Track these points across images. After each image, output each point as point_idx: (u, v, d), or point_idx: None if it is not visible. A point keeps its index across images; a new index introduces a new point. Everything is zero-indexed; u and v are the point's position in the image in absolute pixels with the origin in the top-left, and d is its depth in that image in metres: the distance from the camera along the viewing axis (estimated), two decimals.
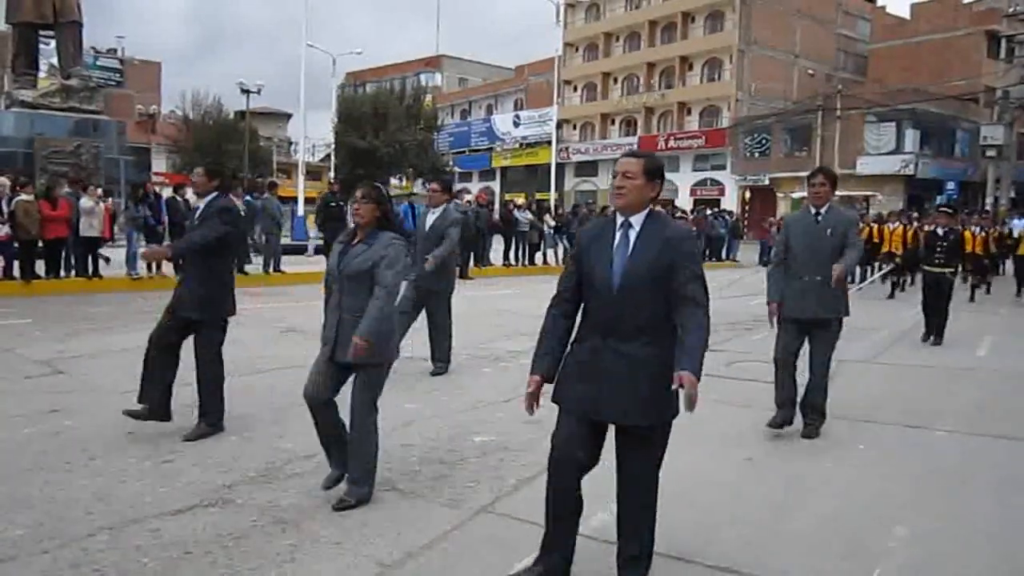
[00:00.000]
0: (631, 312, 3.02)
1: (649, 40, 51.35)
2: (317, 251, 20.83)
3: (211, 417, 5.35)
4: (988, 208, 34.11)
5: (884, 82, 42.28)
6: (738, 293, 15.64)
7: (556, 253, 22.84)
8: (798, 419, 5.76)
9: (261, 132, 48.43)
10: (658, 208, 3.23)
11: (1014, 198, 37.33)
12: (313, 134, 48.32)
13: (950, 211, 11.35)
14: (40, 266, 13.18)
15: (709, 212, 30.09)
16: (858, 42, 51.38)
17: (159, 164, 44.37)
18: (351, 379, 4.20)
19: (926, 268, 10.82)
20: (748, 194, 44.74)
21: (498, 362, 8.39)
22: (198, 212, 5.41)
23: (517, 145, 56.58)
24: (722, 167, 46.47)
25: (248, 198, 16.90)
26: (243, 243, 15.44)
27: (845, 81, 44.92)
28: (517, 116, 57.28)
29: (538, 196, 36.61)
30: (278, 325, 10.30)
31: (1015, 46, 38.49)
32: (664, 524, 4.02)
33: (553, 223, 22.83)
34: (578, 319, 3.26)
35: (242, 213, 9.75)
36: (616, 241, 3.11)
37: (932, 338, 10.42)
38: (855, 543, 3.83)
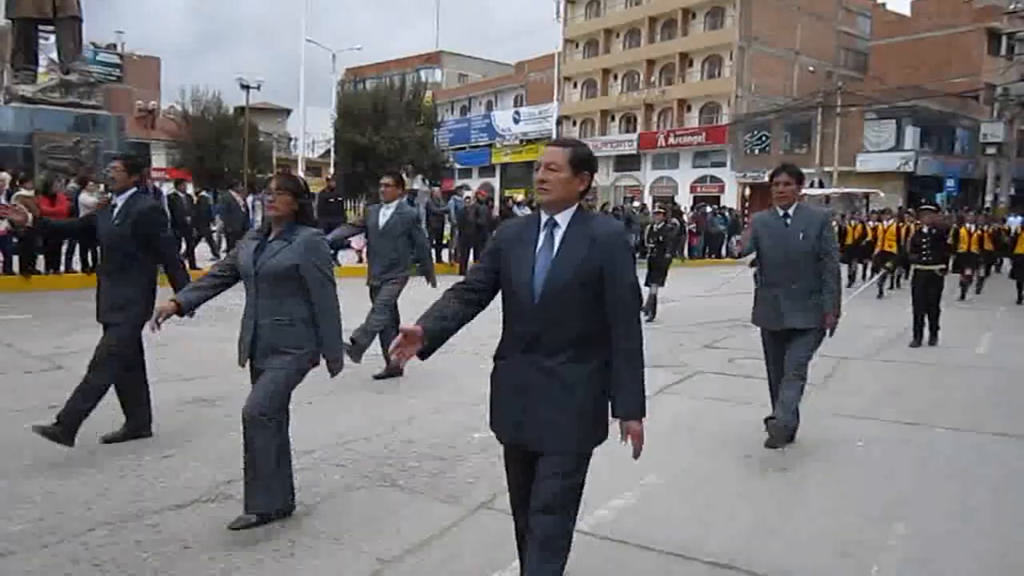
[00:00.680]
0: (556, 324, 2.66)
1: (649, 37, 51.25)
2: None
3: (137, 418, 5.13)
4: (988, 206, 34.12)
5: (884, 79, 42.24)
6: (737, 290, 15.63)
7: None
8: (803, 431, 5.53)
9: (261, 128, 48.36)
10: (590, 205, 2.92)
11: (1014, 195, 37.36)
12: (313, 130, 48.29)
13: (933, 208, 11.13)
14: (40, 261, 13.18)
15: (709, 209, 30.10)
16: (858, 39, 51.31)
17: (158, 159, 44.34)
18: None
19: (916, 267, 10.57)
20: (748, 191, 44.68)
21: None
22: (116, 210, 4.97)
23: (517, 141, 56.51)
24: (722, 164, 46.42)
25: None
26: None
27: (845, 78, 44.87)
28: (517, 112, 57.20)
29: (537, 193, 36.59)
30: None
31: (1015, 43, 38.48)
32: (664, 520, 4.04)
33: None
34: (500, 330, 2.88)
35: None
36: (539, 243, 2.74)
37: (922, 342, 10.07)
38: (854, 540, 3.83)
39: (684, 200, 40.22)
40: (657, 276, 11.76)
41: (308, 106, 30.95)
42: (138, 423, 5.14)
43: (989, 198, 37.02)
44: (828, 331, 5.23)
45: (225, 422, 5.52)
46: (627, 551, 3.65)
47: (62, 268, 13.60)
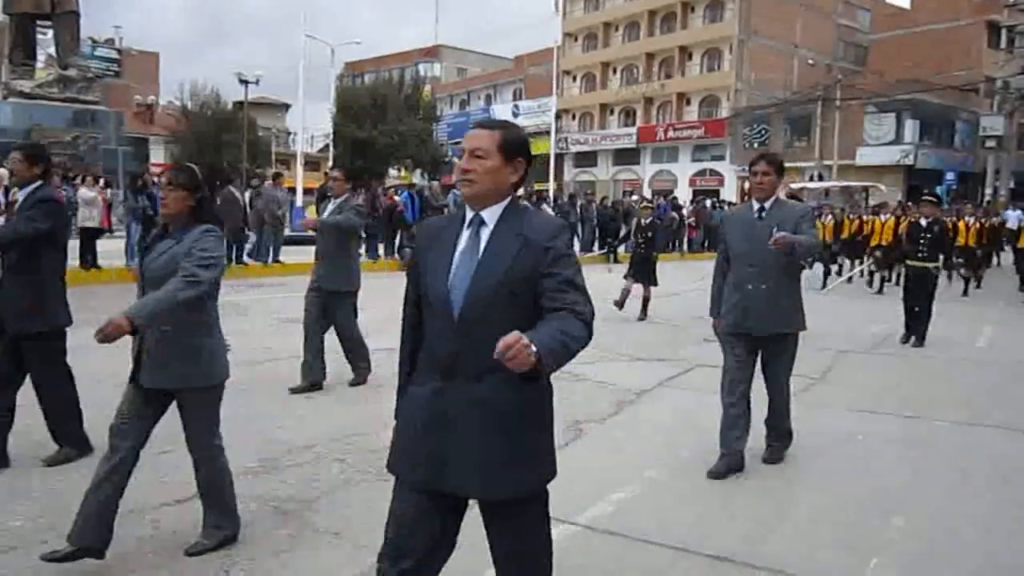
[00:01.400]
0: (482, 343, 2.11)
1: (648, 30, 51.17)
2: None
3: (71, 443, 4.66)
4: (988, 199, 34.12)
5: (884, 72, 42.17)
6: None
7: None
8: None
9: (260, 123, 48.28)
10: (522, 199, 2.49)
11: (1013, 189, 37.35)
12: (312, 125, 48.30)
13: (934, 200, 10.12)
14: None
15: (709, 202, 30.06)
16: (858, 32, 51.24)
17: (157, 154, 44.28)
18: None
19: (908, 262, 9.87)
20: (747, 185, 44.60)
21: None
22: (17, 205, 4.58)
23: None
24: (721, 157, 46.38)
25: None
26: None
27: (845, 71, 44.83)
28: (516, 106, 57.11)
29: (537, 186, 36.61)
30: (276, 315, 10.30)
31: (1015, 36, 38.43)
32: (664, 514, 4.04)
33: (552, 213, 22.84)
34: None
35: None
36: (461, 245, 2.29)
37: (912, 340, 9.53)
38: (853, 534, 3.83)
39: (683, 194, 40.17)
40: (644, 274, 11.29)
41: (307, 101, 30.93)
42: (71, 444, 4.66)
43: (989, 191, 37.00)
44: (772, 241, 4.48)
45: (224, 417, 5.49)
46: (627, 545, 3.65)
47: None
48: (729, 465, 4.67)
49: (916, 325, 9.55)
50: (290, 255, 17.25)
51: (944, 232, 9.78)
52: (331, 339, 6.72)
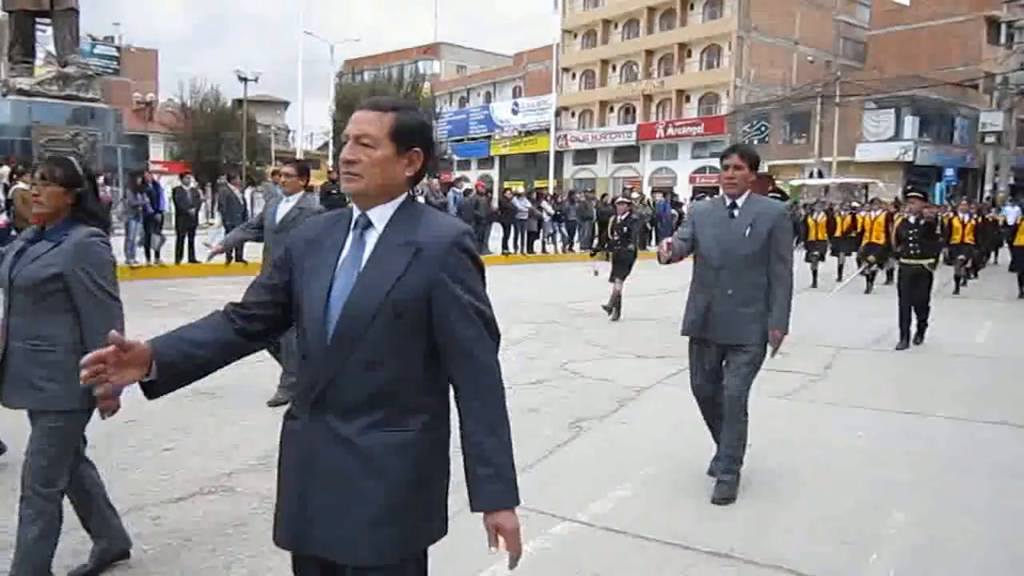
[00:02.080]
0: (357, 374, 1.79)
1: (647, 27, 51.13)
2: None
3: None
4: (988, 195, 34.12)
5: (883, 68, 42.16)
6: None
7: (555, 241, 23.07)
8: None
9: (259, 120, 48.31)
10: (418, 197, 2.04)
11: (1013, 185, 37.34)
12: (311, 122, 48.30)
13: (920, 196, 9.87)
14: None
15: (708, 199, 30.11)
16: (857, 28, 51.18)
17: (157, 152, 44.19)
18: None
19: (902, 261, 9.53)
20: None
21: None
22: None
23: (515, 133, 56.41)
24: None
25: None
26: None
27: (844, 67, 44.78)
28: (515, 104, 57.07)
29: (537, 184, 36.60)
30: None
31: (1015, 32, 38.38)
32: (663, 511, 4.05)
33: (551, 211, 22.85)
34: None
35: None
36: (344, 251, 1.87)
37: (909, 343, 9.12)
38: (853, 529, 3.84)
39: (683, 191, 40.16)
40: (621, 271, 10.89)
41: (307, 98, 30.98)
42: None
43: (988, 187, 36.99)
44: (771, 350, 4.25)
45: (224, 415, 5.54)
46: (626, 541, 3.66)
47: None
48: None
49: (917, 323, 9.25)
50: None
51: (931, 226, 9.38)
52: None
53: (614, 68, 53.58)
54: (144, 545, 3.48)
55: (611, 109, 53.41)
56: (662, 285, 11.97)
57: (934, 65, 39.94)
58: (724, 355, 4.33)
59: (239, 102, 41.92)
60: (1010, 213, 20.54)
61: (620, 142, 50.58)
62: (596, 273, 11.88)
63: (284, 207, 6.04)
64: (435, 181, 22.83)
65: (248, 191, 19.58)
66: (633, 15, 52.00)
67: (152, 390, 1.84)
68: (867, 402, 6.44)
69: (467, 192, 19.52)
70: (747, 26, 45.78)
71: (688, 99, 49.36)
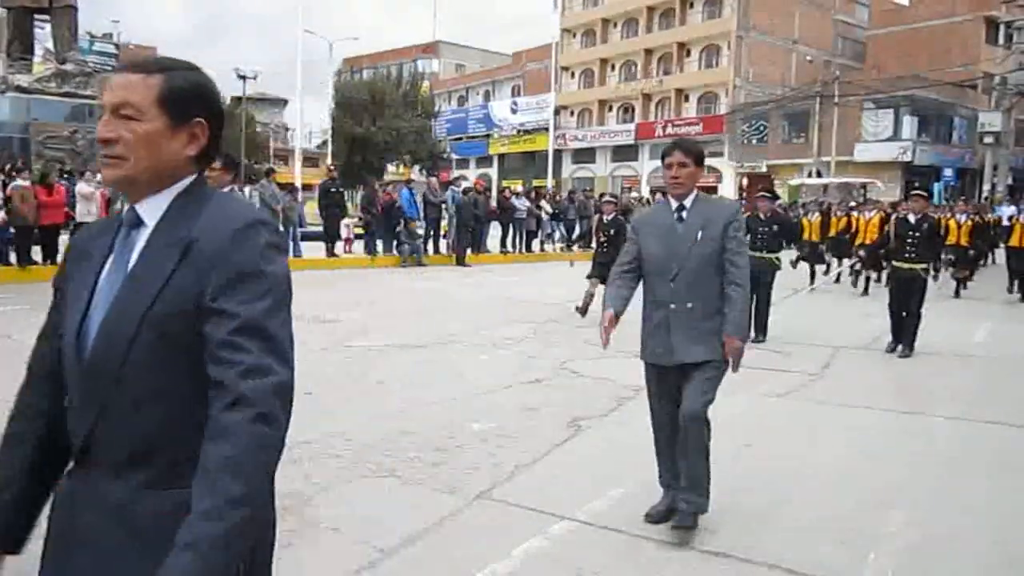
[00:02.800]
0: (124, 412, 1.38)
1: (647, 26, 51.12)
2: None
3: None
4: (987, 195, 34.15)
5: (882, 68, 42.17)
6: None
7: (553, 239, 23.08)
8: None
9: (258, 118, 48.34)
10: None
11: (1011, 185, 37.36)
12: (310, 120, 48.27)
13: (924, 195, 8.99)
14: (37, 252, 13.16)
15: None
16: (856, 28, 51.19)
17: None
18: None
19: (895, 264, 8.75)
20: (746, 181, 44.67)
21: (495, 348, 8.40)
22: None
23: (514, 132, 56.41)
24: (720, 154, 46.34)
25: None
26: None
27: (843, 67, 44.79)
28: (514, 103, 57.06)
29: (535, 183, 36.61)
30: None
31: (1014, 32, 38.39)
32: None
33: (550, 210, 22.85)
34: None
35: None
36: (109, 259, 1.45)
37: (899, 348, 8.55)
38: (851, 528, 3.85)
39: None
40: (601, 272, 9.86)
41: (306, 96, 31.01)
42: None
43: (987, 187, 37.02)
44: (731, 364, 3.74)
45: None
46: (624, 540, 3.67)
47: (59, 259, 13.60)
48: (668, 504, 3.86)
49: (904, 332, 8.57)
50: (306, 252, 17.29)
51: (935, 230, 8.73)
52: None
53: (613, 67, 53.57)
54: None
55: (610, 108, 53.41)
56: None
57: (933, 65, 39.95)
58: (678, 380, 3.80)
59: (238, 100, 41.91)
60: (1004, 213, 20.43)
61: (619, 141, 50.59)
62: (572, 264, 11.75)
63: None
64: (433, 180, 22.85)
65: (247, 189, 19.56)
66: (632, 14, 51.99)
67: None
68: (866, 401, 6.45)
69: (466, 191, 19.51)
70: (746, 25, 45.78)
71: (687, 98, 49.36)
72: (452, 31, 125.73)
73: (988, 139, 37.56)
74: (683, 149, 3.83)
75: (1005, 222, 18.76)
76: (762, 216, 9.41)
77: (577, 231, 23.52)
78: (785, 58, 46.72)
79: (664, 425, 3.90)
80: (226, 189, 5.34)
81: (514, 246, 21.26)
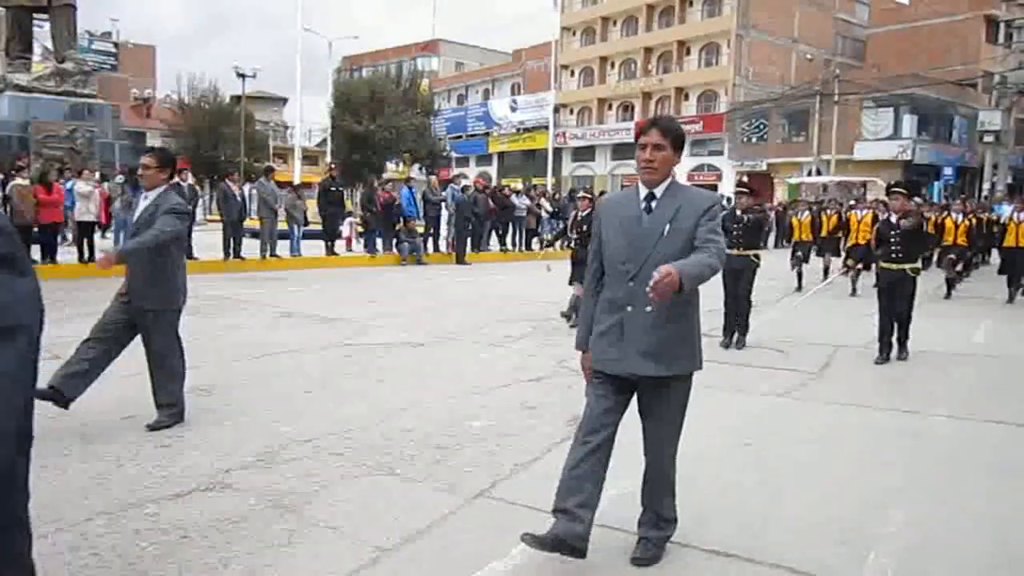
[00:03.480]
0: None
1: (647, 24, 51.15)
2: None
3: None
4: (987, 194, 34.16)
5: (882, 67, 42.20)
6: None
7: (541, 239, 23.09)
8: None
9: (257, 116, 48.25)
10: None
11: (1011, 184, 37.35)
12: (309, 118, 48.24)
13: (905, 192, 8.36)
14: (36, 251, 13.16)
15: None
16: (856, 27, 51.23)
17: None
18: None
19: (882, 265, 8.36)
20: (745, 180, 44.71)
21: (495, 347, 8.40)
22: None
23: (514, 130, 56.43)
24: (719, 152, 46.39)
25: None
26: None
27: (843, 66, 44.81)
28: (514, 101, 57.08)
29: (535, 181, 36.61)
30: (274, 310, 10.29)
31: (1014, 31, 38.43)
32: None
33: (550, 208, 22.84)
34: None
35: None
36: None
37: (889, 356, 8.20)
38: (851, 528, 3.84)
39: None
40: (580, 271, 9.47)
41: (305, 94, 30.97)
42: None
43: (987, 186, 37.05)
44: (652, 281, 2.87)
45: (222, 411, 5.53)
46: (625, 538, 3.66)
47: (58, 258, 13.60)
48: (559, 534, 3.16)
49: (898, 336, 8.30)
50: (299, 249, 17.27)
51: (918, 227, 8.28)
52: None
53: (613, 65, 53.59)
54: (141, 541, 3.47)
55: (610, 106, 53.43)
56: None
57: (933, 64, 40.00)
58: (628, 393, 3.35)
59: (237, 98, 41.86)
60: (1004, 212, 20.30)
61: (619, 139, 50.59)
62: (549, 269, 11.53)
63: (142, 204, 5.19)
64: (433, 178, 22.85)
65: (247, 188, 19.55)
66: (632, 12, 52.01)
67: None
68: (866, 401, 6.44)
69: (465, 188, 19.51)
70: (746, 24, 45.79)
71: (687, 97, 49.40)
72: (452, 29, 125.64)
73: (988, 138, 37.62)
74: (661, 128, 3.26)
75: (1004, 220, 18.61)
76: (739, 212, 9.05)
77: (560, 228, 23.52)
78: (785, 56, 46.75)
79: (600, 431, 3.28)
80: (162, 189, 5.14)
81: (514, 244, 21.27)
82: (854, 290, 14.10)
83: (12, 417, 1.20)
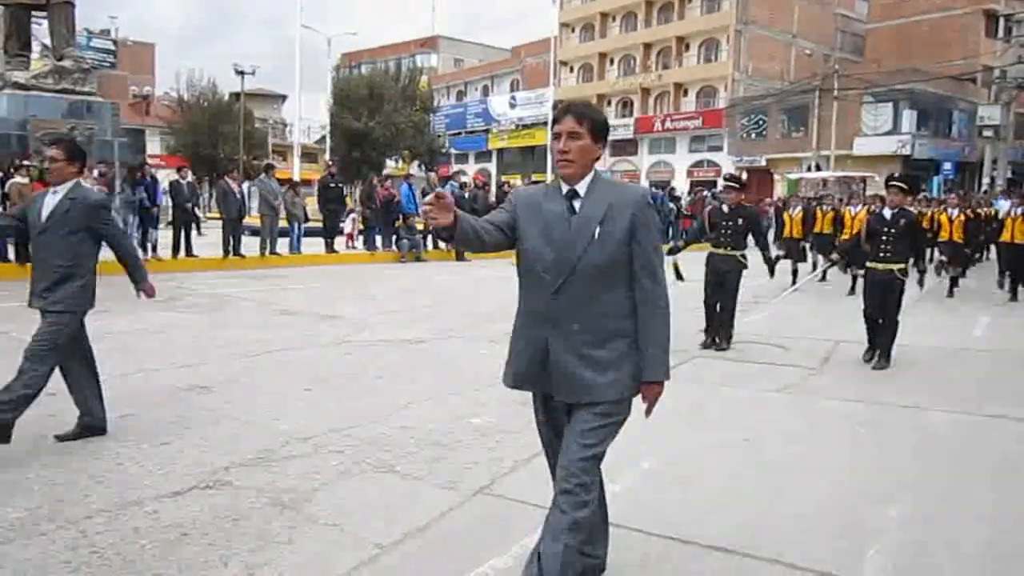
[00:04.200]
0: None
1: (646, 20, 51.11)
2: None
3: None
4: (986, 189, 34.15)
5: (881, 62, 42.17)
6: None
7: None
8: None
9: (256, 114, 48.23)
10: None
11: (1011, 178, 37.35)
12: (308, 115, 48.18)
13: (904, 186, 7.64)
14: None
15: (707, 193, 30.06)
16: (856, 22, 51.17)
17: (153, 146, 44.13)
18: None
19: (869, 265, 7.85)
20: (745, 175, 44.71)
21: (494, 343, 8.39)
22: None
23: (513, 126, 56.39)
24: (719, 148, 46.36)
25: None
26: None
27: (842, 61, 44.78)
28: (513, 97, 57.02)
29: (534, 177, 36.60)
30: (274, 307, 10.29)
31: (1013, 25, 38.33)
32: (661, 505, 4.05)
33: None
34: None
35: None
36: None
37: (876, 358, 7.74)
38: (851, 523, 3.84)
39: (681, 185, 40.16)
40: None
41: (304, 92, 31.00)
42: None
43: (986, 181, 37.03)
44: (645, 409, 2.92)
45: (222, 409, 5.53)
46: (625, 536, 3.66)
47: None
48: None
49: (880, 342, 7.81)
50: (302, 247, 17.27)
51: (913, 226, 7.70)
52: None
53: (612, 61, 53.55)
54: (141, 539, 3.47)
55: (609, 102, 53.37)
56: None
57: (932, 59, 39.94)
58: (563, 413, 2.93)
59: (236, 96, 41.85)
60: (1002, 206, 20.17)
61: (618, 135, 50.53)
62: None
63: (51, 200, 4.83)
64: (432, 175, 22.82)
65: (246, 185, 19.54)
66: (631, 8, 51.96)
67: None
68: (865, 396, 6.44)
69: (464, 185, 19.49)
70: (745, 19, 45.74)
71: (686, 92, 49.36)
72: (450, 26, 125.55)
73: (987, 132, 37.59)
74: (576, 115, 2.75)
75: (1002, 214, 18.49)
76: (726, 209, 8.55)
77: None
78: (784, 52, 46.71)
79: (553, 454, 3.01)
80: (72, 183, 4.86)
81: None
82: (853, 288, 13.88)
83: None
